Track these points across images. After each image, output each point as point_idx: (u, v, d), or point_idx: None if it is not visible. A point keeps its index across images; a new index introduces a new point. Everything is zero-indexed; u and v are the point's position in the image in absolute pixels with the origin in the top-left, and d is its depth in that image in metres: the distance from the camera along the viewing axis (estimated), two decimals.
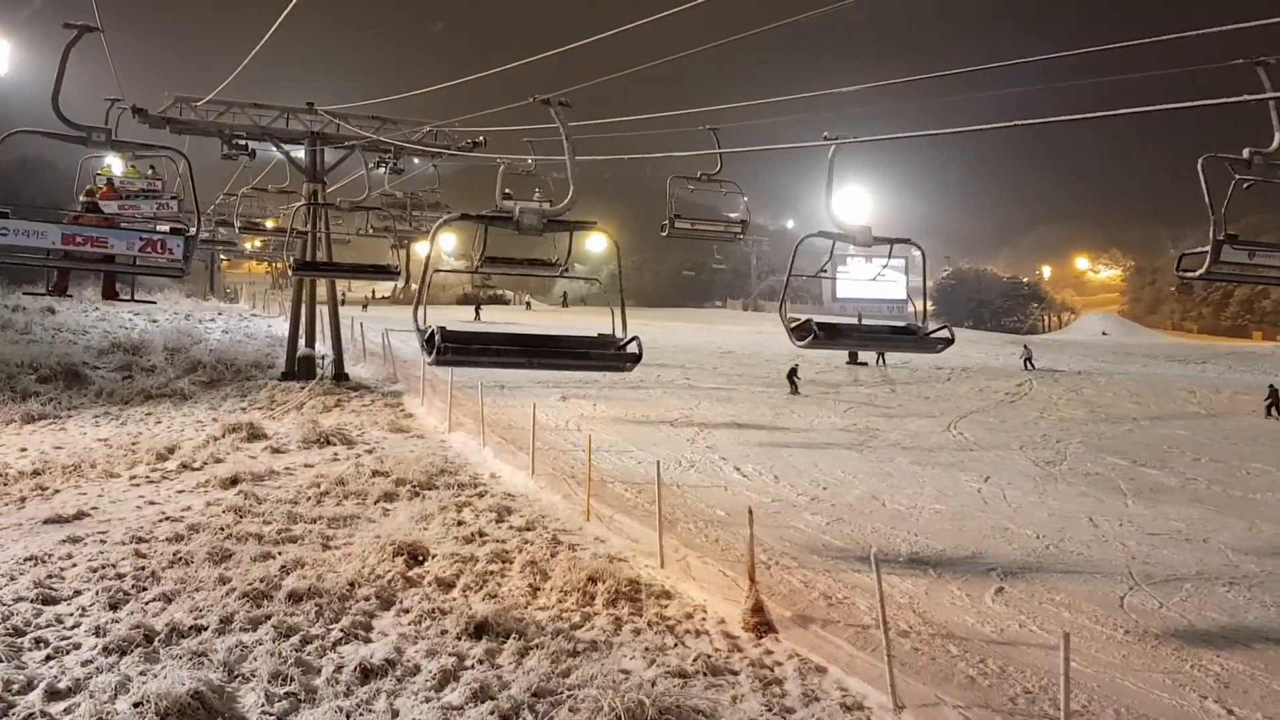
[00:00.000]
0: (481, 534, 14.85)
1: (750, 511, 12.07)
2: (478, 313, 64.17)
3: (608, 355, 8.20)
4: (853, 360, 40.53)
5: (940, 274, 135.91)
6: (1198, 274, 7.77)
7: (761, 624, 11.41)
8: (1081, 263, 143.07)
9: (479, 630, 10.85)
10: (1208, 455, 24.80)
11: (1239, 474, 22.74)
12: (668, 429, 24.83)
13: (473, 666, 10.05)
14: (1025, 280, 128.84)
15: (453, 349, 7.41)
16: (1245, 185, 7.48)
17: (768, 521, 16.22)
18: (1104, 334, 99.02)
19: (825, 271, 10.82)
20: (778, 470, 20.31)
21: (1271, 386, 32.08)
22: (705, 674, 10.06)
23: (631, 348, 8.06)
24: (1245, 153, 7.59)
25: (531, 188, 17.40)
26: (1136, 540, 16.28)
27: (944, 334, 8.73)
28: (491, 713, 8.98)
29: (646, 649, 10.67)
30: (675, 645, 10.86)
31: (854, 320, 8.99)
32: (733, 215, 16.11)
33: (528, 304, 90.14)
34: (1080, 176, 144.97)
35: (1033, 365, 43.57)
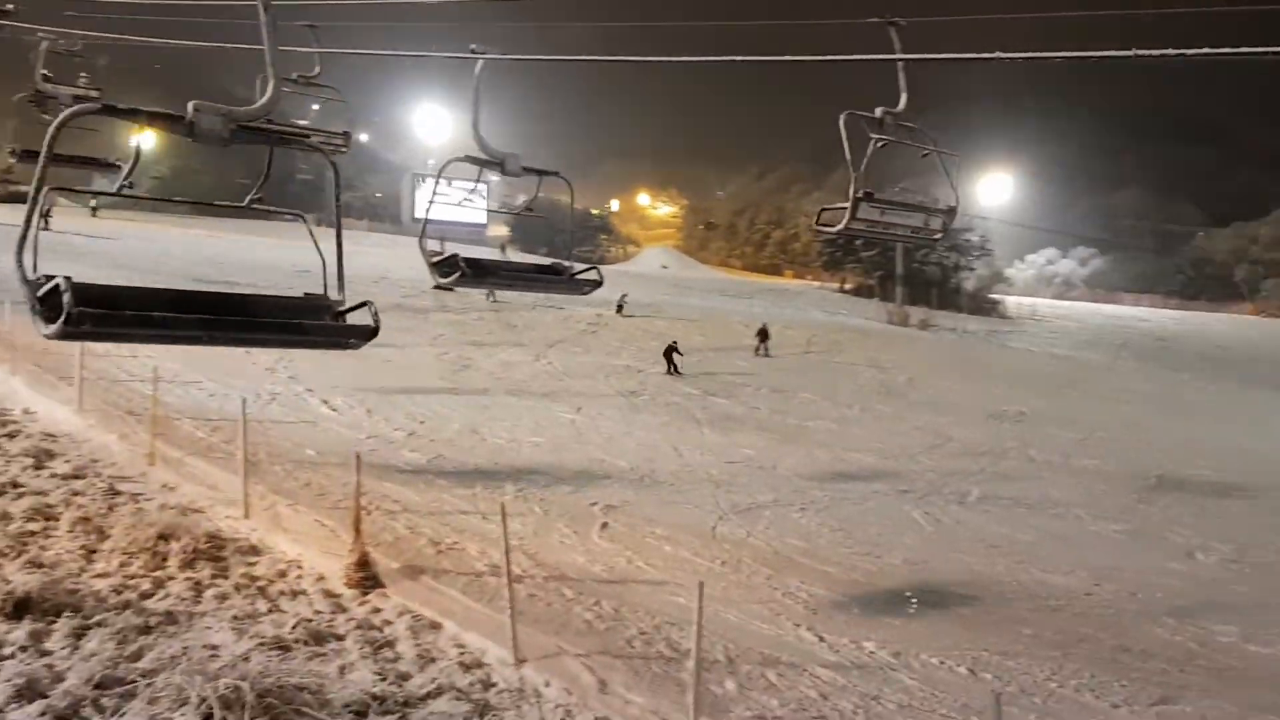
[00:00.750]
0: (16, 485, 12.32)
1: (358, 457, 10.98)
2: (47, 222, 53.39)
3: (329, 329, 5.60)
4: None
5: (515, 201, 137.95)
6: (836, 229, 7.89)
7: (367, 579, 10.44)
8: (643, 198, 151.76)
9: (19, 608, 8.81)
10: (766, 386, 27.01)
11: (793, 403, 24.99)
12: (242, 357, 22.44)
13: (13, 656, 8.14)
14: (595, 212, 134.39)
15: (93, 317, 4.34)
16: (880, 144, 7.68)
17: (364, 461, 15.13)
18: (664, 267, 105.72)
19: (470, 200, 9.90)
20: (370, 404, 19.13)
21: (763, 326, 34.11)
22: (307, 642, 8.92)
23: (362, 316, 5.50)
24: (878, 111, 7.77)
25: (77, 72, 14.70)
26: (718, 469, 17.18)
27: (593, 275, 8.22)
28: (43, 714, 7.28)
29: (236, 617, 9.28)
30: (270, 611, 9.58)
31: (501, 257, 8.20)
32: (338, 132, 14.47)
33: (94, 209, 73.12)
34: (649, 116, 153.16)
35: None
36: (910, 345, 41.28)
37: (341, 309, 5.56)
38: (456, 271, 7.63)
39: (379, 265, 48.72)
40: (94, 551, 10.53)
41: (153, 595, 9.63)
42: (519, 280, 8.44)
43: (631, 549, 12.35)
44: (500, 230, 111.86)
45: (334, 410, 18.35)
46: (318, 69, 14.55)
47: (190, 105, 4.76)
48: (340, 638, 9.18)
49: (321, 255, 5.60)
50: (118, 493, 12.47)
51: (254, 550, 11.14)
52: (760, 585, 11.49)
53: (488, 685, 8.51)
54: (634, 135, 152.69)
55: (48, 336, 4.39)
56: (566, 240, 9.83)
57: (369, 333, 5.51)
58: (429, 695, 8.19)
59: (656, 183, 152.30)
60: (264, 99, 5.16)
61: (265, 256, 44.35)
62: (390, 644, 9.16)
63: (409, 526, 12.31)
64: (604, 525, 13.21)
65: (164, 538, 10.71)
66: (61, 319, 4.12)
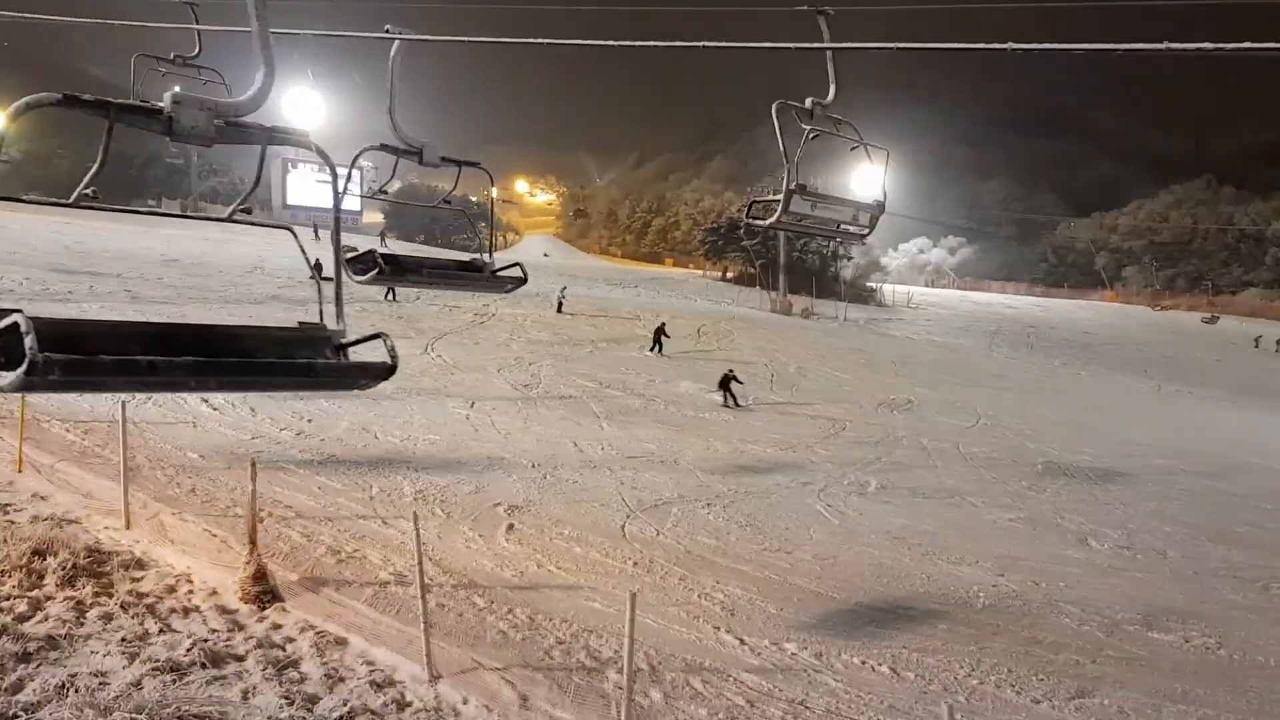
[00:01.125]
0: None
1: (253, 464, 10.33)
2: None
3: (342, 370, 4.51)
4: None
5: (390, 186, 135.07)
6: (768, 222, 7.70)
7: (264, 593, 9.86)
8: (521, 185, 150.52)
9: None
10: (659, 376, 26.94)
11: (685, 393, 24.95)
12: None
13: None
14: (475, 200, 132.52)
15: (63, 364, 3.28)
16: (812, 135, 7.52)
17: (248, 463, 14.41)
18: (545, 255, 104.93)
19: (386, 192, 9.34)
20: (252, 401, 18.24)
21: (661, 324, 33.82)
22: (204, 664, 8.33)
23: (375, 354, 4.42)
24: (808, 102, 7.61)
25: None
26: (620, 464, 16.97)
27: (515, 273, 7.81)
28: None
29: (124, 640, 8.62)
30: (161, 631, 8.92)
31: (419, 255, 7.68)
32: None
33: None
34: (528, 103, 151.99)
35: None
36: (797, 334, 41.87)
37: (345, 342, 4.53)
38: (374, 269, 7.15)
39: (252, 254, 46.94)
40: None
41: (30, 618, 8.85)
42: (439, 278, 7.97)
43: (541, 552, 12.03)
44: (375, 217, 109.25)
45: (214, 409, 17.41)
46: (198, 49, 13.74)
47: (168, 97, 3.80)
48: (240, 658, 8.61)
49: (313, 271, 5.00)
50: None
51: (139, 564, 10.40)
52: (675, 586, 11.30)
53: (402, 705, 8.10)
54: (513, 122, 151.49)
55: (3, 389, 3.33)
56: (487, 234, 9.04)
57: (386, 371, 4.40)
58: (341, 719, 7.75)
59: (535, 169, 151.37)
60: (254, 90, 3.95)
61: (128, 245, 42.11)
62: (294, 663, 8.64)
63: (305, 534, 11.70)
64: (510, 527, 12.84)
65: (39, 553, 9.92)
66: (23, 368, 3.15)
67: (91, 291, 28.72)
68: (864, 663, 9.45)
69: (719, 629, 10.15)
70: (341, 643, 9.11)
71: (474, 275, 7.82)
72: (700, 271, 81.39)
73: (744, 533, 13.72)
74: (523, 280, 7.83)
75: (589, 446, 18.07)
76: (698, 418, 22.26)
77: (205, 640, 8.78)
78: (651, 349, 31.70)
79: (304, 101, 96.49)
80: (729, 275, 75.97)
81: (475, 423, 18.98)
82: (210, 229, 65.96)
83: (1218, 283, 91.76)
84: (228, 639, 8.94)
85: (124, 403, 12.63)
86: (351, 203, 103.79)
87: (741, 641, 9.86)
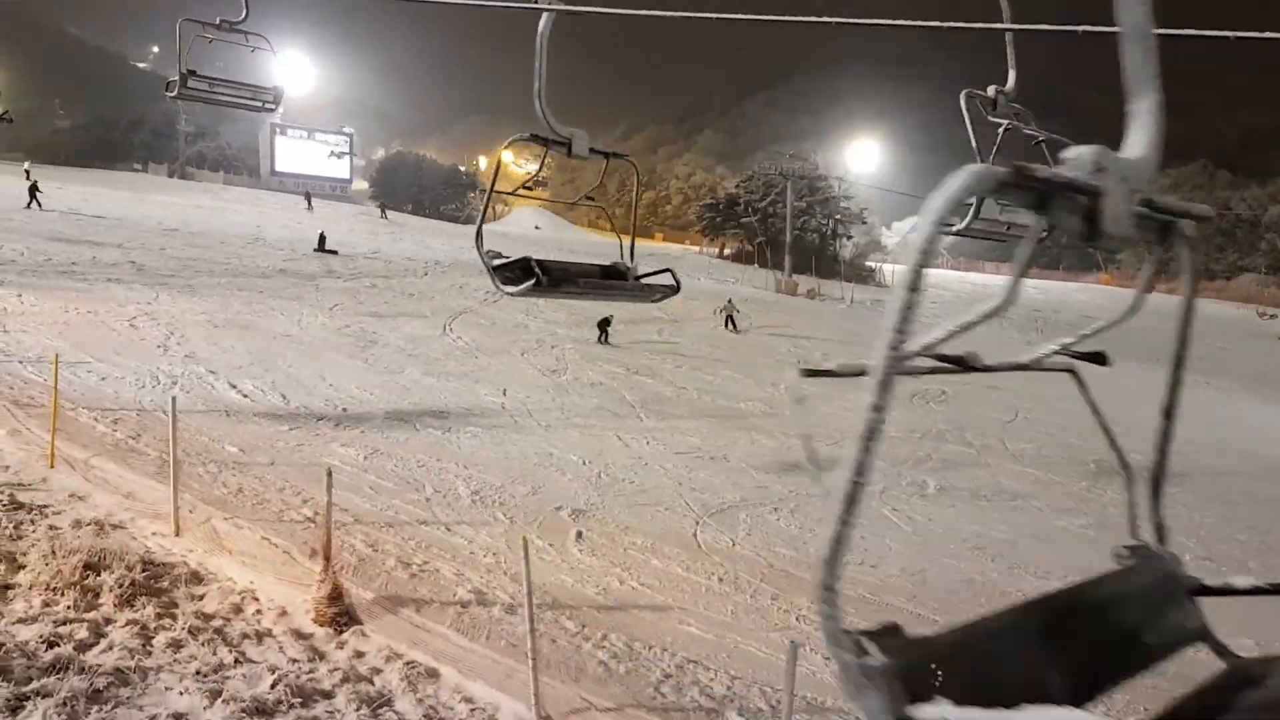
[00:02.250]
0: None
1: (329, 474, 9.49)
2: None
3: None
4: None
5: (374, 154, 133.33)
6: (956, 229, 6.89)
7: (341, 614, 9.08)
8: (507, 156, 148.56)
9: None
10: (686, 362, 26.14)
11: (717, 381, 24.20)
12: (128, 330, 20.21)
13: None
14: (463, 169, 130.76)
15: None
16: (1003, 128, 6.72)
17: (294, 458, 13.56)
18: (536, 228, 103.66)
19: (541, 183, 8.54)
20: (281, 385, 17.34)
21: (729, 301, 34.37)
22: (294, 703, 7.56)
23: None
24: (990, 90, 6.81)
25: None
26: (671, 461, 16.21)
27: (666, 279, 6.94)
28: None
29: (199, 672, 7.79)
30: (236, 661, 8.09)
31: (563, 261, 6.83)
32: (267, 86, 12.61)
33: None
34: (514, 73, 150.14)
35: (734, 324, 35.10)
36: (811, 317, 41.12)
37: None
38: (529, 279, 6.28)
39: (249, 223, 45.81)
40: (8, 588, 8.79)
41: (93, 646, 8.01)
42: (592, 289, 7.09)
43: (618, 565, 11.26)
44: (361, 185, 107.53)
45: (244, 395, 16.50)
46: (245, 13, 12.77)
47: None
48: (329, 695, 7.82)
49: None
50: (19, 505, 10.62)
51: (196, 578, 9.58)
52: (769, 608, 10.56)
53: None
54: (498, 92, 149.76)
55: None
56: (630, 236, 8.16)
57: (672, 290, 6.71)
58: None
59: (523, 140, 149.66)
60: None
61: (123, 212, 40.97)
62: (388, 700, 7.86)
63: (369, 543, 10.89)
64: (579, 535, 12.06)
65: (91, 568, 9.09)
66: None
67: (95, 261, 27.60)
68: None
69: (829, 660, 9.40)
70: (433, 675, 8.33)
71: (623, 285, 6.97)
72: (697, 248, 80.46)
73: (819, 541, 12.98)
74: (675, 289, 6.98)
75: (634, 442, 17.29)
76: (733, 408, 21.50)
77: (288, 673, 7.97)
78: (726, 326, 33.37)
79: (293, 65, 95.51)
80: (727, 252, 75.11)
81: (512, 412, 18.15)
82: (195, 193, 64.49)
83: (1213, 268, 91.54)
84: (310, 671, 8.15)
85: (174, 397, 11.72)
86: (341, 170, 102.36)
87: None
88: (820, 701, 8.58)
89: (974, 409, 24.37)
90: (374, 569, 10.25)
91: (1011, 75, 6.93)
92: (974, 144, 6.48)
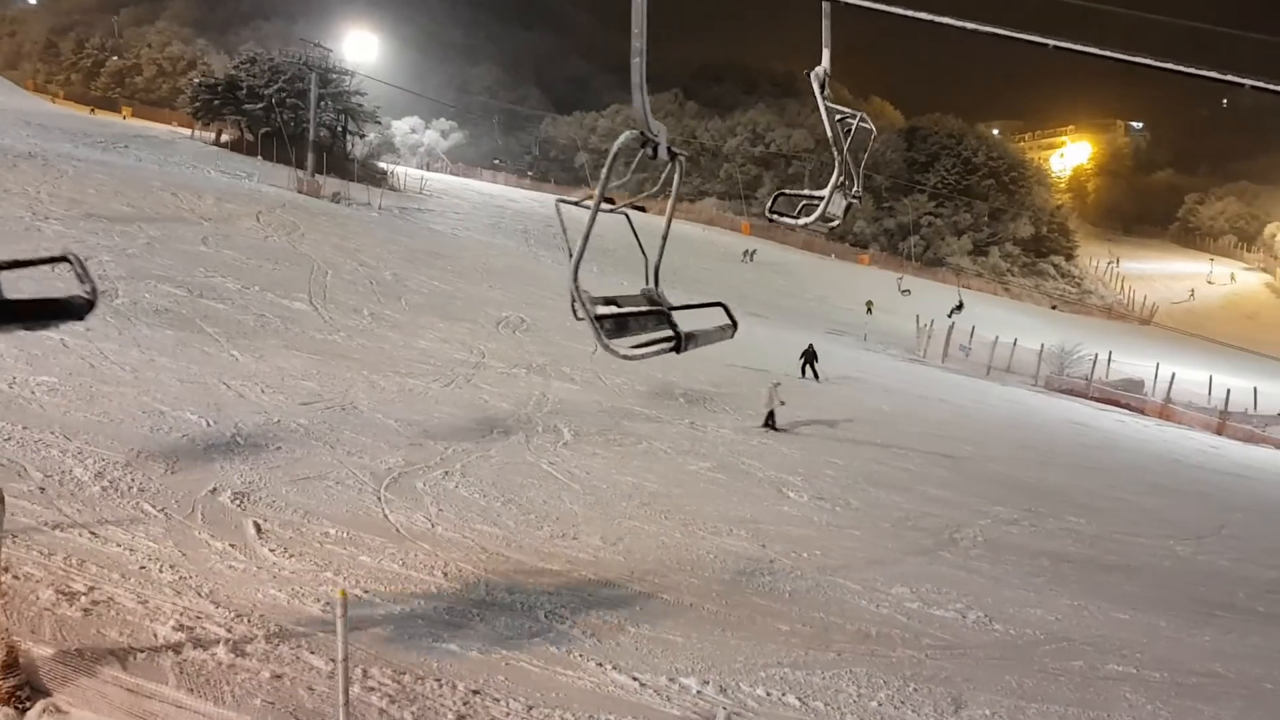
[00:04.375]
0: None
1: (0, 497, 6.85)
2: None
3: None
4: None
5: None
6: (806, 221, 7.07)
7: (19, 689, 6.71)
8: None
9: None
10: (256, 283, 23.06)
11: (279, 303, 21.88)
12: None
13: None
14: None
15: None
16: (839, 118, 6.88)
17: None
18: None
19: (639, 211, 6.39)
20: None
21: (810, 347, 29.32)
22: None
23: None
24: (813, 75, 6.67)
25: None
26: (303, 416, 14.32)
27: (719, 316, 6.06)
28: None
29: None
30: None
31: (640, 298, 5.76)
32: None
33: None
34: None
35: None
36: (359, 227, 38.20)
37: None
38: (670, 339, 5.49)
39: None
40: None
41: None
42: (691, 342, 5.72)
43: (324, 565, 9.54)
44: None
45: None
46: None
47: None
48: None
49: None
50: None
51: None
52: (510, 603, 9.65)
53: None
54: None
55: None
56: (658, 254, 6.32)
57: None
58: None
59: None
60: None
61: None
62: None
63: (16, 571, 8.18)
64: (258, 529, 10.09)
65: None
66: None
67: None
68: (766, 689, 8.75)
69: (606, 666, 8.80)
70: None
71: (695, 334, 5.69)
72: (185, 130, 72.08)
73: (512, 511, 12.23)
74: (732, 328, 6.34)
75: (243, 387, 15.04)
76: (327, 341, 19.61)
77: None
78: (802, 374, 28.37)
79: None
80: (225, 139, 68.14)
81: (82, 354, 14.88)
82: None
83: (681, 191, 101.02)
84: None
85: None
86: None
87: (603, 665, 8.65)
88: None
89: (557, 339, 24.51)
90: (27, 607, 7.70)
91: (825, 55, 7.35)
92: (844, 155, 6.89)
